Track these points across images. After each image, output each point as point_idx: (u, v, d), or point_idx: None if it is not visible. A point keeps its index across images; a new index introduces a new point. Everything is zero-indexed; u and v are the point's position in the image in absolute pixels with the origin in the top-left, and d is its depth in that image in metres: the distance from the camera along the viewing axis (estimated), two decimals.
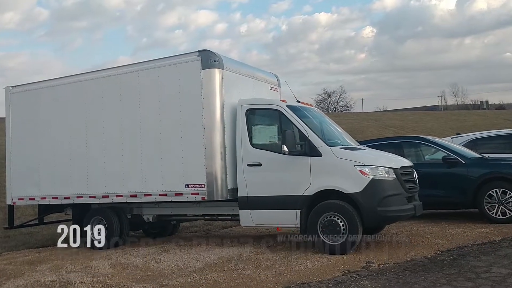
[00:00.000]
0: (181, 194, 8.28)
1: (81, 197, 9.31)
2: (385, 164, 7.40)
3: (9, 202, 10.26)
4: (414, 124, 38.60)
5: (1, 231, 11.69)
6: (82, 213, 9.65)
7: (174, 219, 9.59)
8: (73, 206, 9.71)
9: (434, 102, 75.51)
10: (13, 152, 10.22)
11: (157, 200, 8.58)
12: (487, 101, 70.53)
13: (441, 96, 77.89)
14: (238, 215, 8.41)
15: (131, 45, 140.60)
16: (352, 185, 7.15)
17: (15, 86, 10.40)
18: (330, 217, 7.26)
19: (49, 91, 9.82)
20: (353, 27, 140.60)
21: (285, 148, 7.42)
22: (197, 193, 8.11)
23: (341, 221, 7.18)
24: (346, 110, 68.76)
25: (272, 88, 9.92)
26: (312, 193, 7.41)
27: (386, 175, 7.27)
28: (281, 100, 8.19)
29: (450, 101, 77.12)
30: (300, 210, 7.50)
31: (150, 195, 8.59)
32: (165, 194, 8.44)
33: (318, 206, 7.38)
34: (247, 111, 8.11)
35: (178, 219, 9.71)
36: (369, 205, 7.07)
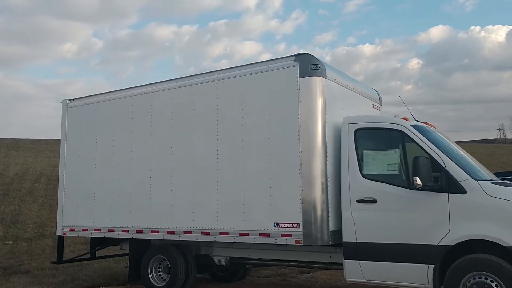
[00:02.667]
0: (267, 234, 6.50)
1: (142, 231, 7.73)
2: None
3: (59, 232, 8.85)
4: (488, 158, 35.38)
5: (48, 261, 10.43)
6: (141, 250, 8.08)
7: (251, 263, 7.79)
8: (131, 241, 8.15)
9: (486, 135, 71.19)
10: (67, 175, 8.86)
11: (235, 241, 6.84)
12: None
13: (500, 129, 73.36)
14: (337, 264, 6.57)
15: (179, 74, 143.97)
16: None
17: (73, 99, 9.14)
18: (479, 278, 5.26)
19: (112, 105, 8.44)
20: (398, 58, 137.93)
21: (418, 181, 5.51)
22: (289, 235, 6.31)
23: (496, 286, 5.16)
24: None
25: (374, 106, 8.11)
26: (452, 244, 5.44)
27: None
28: (402, 118, 6.33)
29: (510, 134, 72.35)
30: (433, 265, 5.53)
31: (227, 233, 6.86)
32: (247, 234, 6.69)
33: (460, 262, 5.39)
34: (356, 131, 6.31)
35: (256, 264, 7.90)
36: None
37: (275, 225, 6.43)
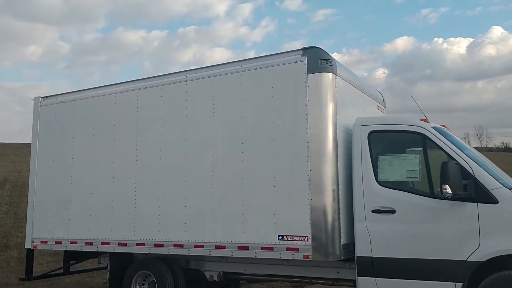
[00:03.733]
0: (271, 248, 5.81)
1: (125, 244, 6.90)
2: None
3: (28, 245, 7.89)
4: None
5: (14, 277, 9.42)
6: (123, 264, 7.25)
7: (248, 278, 7.06)
8: (112, 254, 7.30)
9: None
10: (39, 181, 7.93)
11: (233, 255, 6.11)
12: None
13: (465, 138, 74.95)
14: (345, 280, 5.96)
15: None
16: None
17: (47, 97, 8.23)
18: None
19: (92, 103, 7.58)
20: (365, 67, 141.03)
21: (448, 190, 4.92)
22: (296, 249, 5.64)
23: None
24: None
25: (379, 108, 7.57)
26: (482, 260, 4.88)
27: None
28: (421, 120, 5.77)
29: (474, 143, 73.95)
30: (460, 283, 4.96)
31: (223, 247, 6.12)
32: (247, 248, 5.97)
33: (492, 280, 4.84)
34: (370, 134, 5.71)
35: (253, 279, 7.18)
36: None
37: (280, 237, 5.74)
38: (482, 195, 4.97)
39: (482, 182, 5.00)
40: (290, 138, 5.82)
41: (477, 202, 4.98)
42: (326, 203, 5.54)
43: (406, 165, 5.46)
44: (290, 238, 5.67)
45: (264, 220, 5.87)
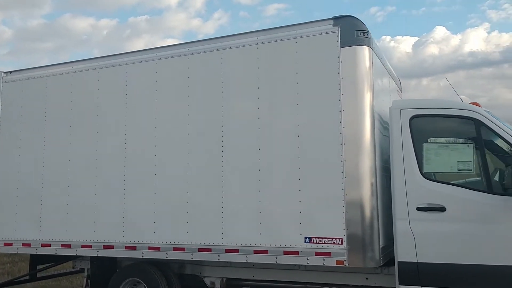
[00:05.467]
0: (295, 253, 4.92)
1: (111, 246, 5.81)
2: None
3: None
4: None
5: None
6: (106, 269, 6.18)
7: (255, 285, 6.13)
8: (93, 258, 6.20)
9: None
10: (2, 171, 6.65)
11: (248, 260, 5.18)
12: None
13: None
14: (371, 287, 5.16)
15: None
16: None
17: (11, 72, 6.93)
18: None
19: (69, 80, 6.38)
20: None
21: None
22: (328, 253, 4.78)
23: None
24: None
25: (398, 93, 6.81)
26: None
27: None
28: (471, 103, 5.02)
29: None
30: None
31: (236, 251, 5.18)
32: (265, 252, 5.05)
33: None
34: (412, 119, 4.91)
35: (262, 285, 6.26)
36: None
37: (307, 240, 4.87)
38: None
39: None
40: (319, 123, 4.93)
41: None
42: (363, 199, 4.71)
43: (457, 156, 4.69)
44: (320, 240, 4.81)
45: (287, 220, 4.97)
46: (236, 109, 5.34)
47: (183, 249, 5.42)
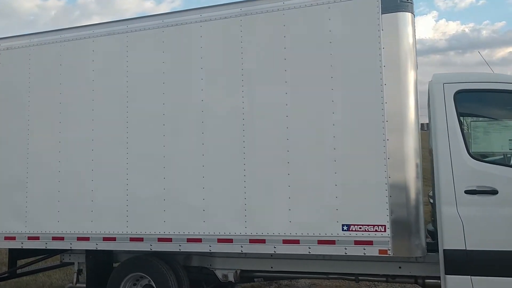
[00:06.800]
0: (331, 242, 4.43)
1: (113, 238, 5.14)
2: None
3: None
4: None
5: None
6: (103, 267, 5.51)
7: (271, 276, 5.62)
8: (89, 251, 5.49)
9: None
10: None
11: (277, 251, 4.64)
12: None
13: None
14: (405, 277, 4.77)
15: None
16: None
17: None
18: None
19: (56, 50, 5.58)
20: None
21: None
22: (370, 242, 4.32)
23: None
24: None
25: None
26: None
27: None
28: None
29: None
30: None
31: (262, 241, 4.63)
32: (296, 242, 4.53)
33: None
34: (456, 94, 4.49)
35: (279, 277, 5.74)
36: None
37: (345, 228, 4.39)
38: None
39: None
40: (357, 99, 4.44)
41: None
42: (408, 182, 4.27)
43: (509, 134, 4.32)
44: (360, 228, 4.34)
45: (320, 205, 4.47)
46: (259, 85, 4.75)
47: (199, 240, 4.83)
